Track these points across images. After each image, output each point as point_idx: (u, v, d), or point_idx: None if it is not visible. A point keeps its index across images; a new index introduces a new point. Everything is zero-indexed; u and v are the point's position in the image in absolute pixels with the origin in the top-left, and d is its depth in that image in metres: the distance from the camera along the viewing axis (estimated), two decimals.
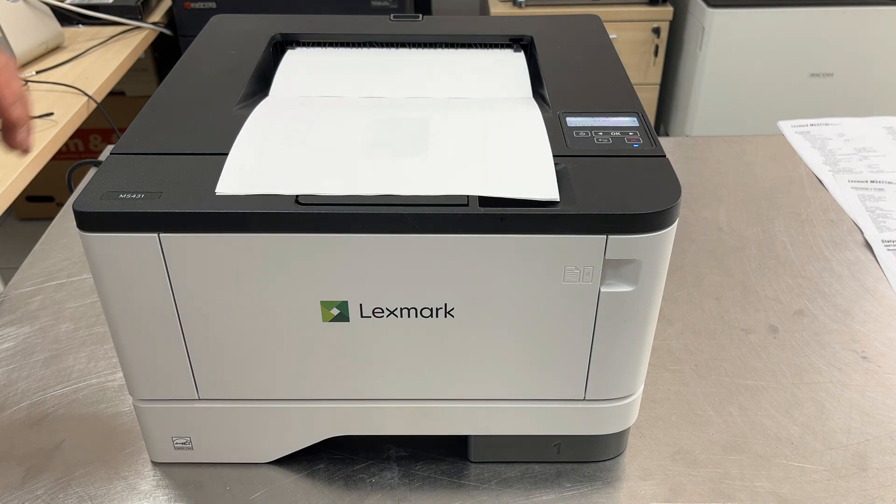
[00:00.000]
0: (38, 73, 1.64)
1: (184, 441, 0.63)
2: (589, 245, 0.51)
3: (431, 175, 0.53)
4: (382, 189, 0.51)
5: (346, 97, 0.65)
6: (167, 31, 2.08)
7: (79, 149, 2.26)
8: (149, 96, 0.64)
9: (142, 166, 0.54)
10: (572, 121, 0.60)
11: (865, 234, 0.95)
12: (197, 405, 0.61)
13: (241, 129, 0.57)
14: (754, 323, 0.81)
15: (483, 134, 0.58)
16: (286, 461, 0.65)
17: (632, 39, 2.40)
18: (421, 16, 0.79)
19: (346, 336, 0.56)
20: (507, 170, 0.53)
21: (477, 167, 0.54)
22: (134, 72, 1.93)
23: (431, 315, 0.55)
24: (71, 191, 0.75)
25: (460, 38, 0.75)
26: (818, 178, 1.07)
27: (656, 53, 2.43)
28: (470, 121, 0.60)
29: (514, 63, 0.72)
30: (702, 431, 0.69)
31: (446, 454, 0.66)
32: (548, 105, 0.63)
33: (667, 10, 2.38)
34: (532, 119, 0.60)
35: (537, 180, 0.52)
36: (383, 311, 0.55)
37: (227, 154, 0.54)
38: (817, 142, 1.15)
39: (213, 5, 2.07)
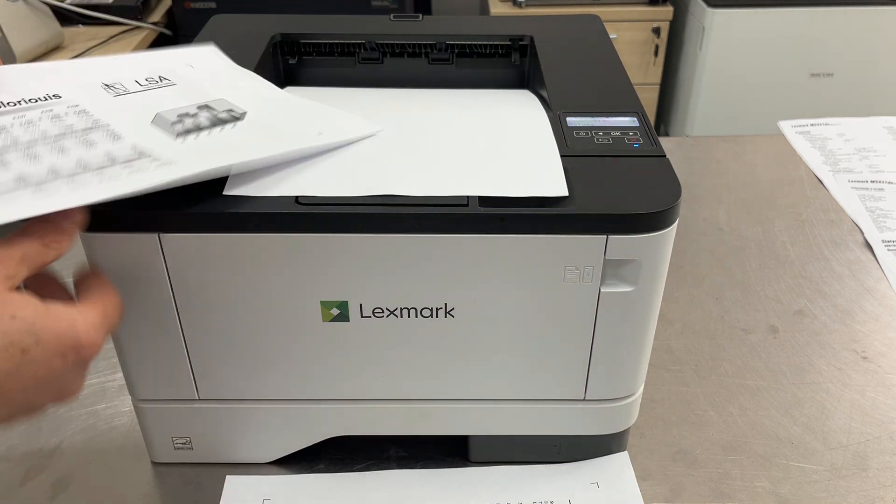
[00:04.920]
0: None
1: (184, 441, 0.63)
2: (589, 245, 0.51)
3: (437, 177, 0.53)
4: (386, 191, 0.51)
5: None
6: (167, 31, 2.08)
7: None
8: None
9: None
10: (572, 121, 0.60)
11: (865, 234, 0.95)
12: (197, 405, 0.61)
13: None
14: (754, 323, 0.81)
15: (488, 134, 0.58)
16: (286, 461, 0.65)
17: (632, 39, 2.40)
18: (421, 16, 0.79)
19: (346, 336, 0.56)
20: (513, 168, 0.53)
21: (482, 167, 0.54)
22: None
23: (431, 315, 0.55)
24: None
25: (460, 37, 0.75)
26: (818, 178, 1.07)
27: (656, 53, 2.43)
28: (474, 121, 0.60)
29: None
30: (702, 431, 0.69)
31: (446, 454, 0.66)
32: (548, 105, 0.63)
33: (667, 10, 2.38)
34: (537, 118, 0.60)
35: (545, 177, 0.52)
36: (383, 311, 0.55)
37: None
38: (817, 142, 1.15)
39: (213, 5, 2.07)
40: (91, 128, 0.50)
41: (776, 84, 2.37)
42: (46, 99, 0.52)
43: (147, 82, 0.57)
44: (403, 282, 0.53)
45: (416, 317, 0.55)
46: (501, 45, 0.75)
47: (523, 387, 0.60)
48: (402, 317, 0.55)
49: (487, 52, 0.76)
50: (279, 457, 0.65)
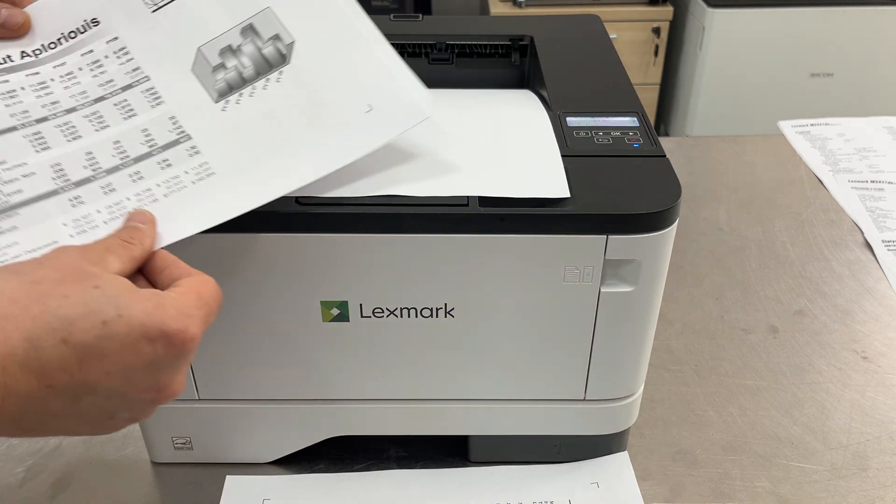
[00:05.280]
0: None
1: (184, 441, 0.63)
2: (589, 245, 0.51)
3: (437, 177, 0.52)
4: (386, 192, 0.51)
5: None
6: None
7: None
8: None
9: None
10: (572, 121, 0.60)
11: (865, 234, 0.95)
12: (197, 405, 0.61)
13: None
14: (754, 323, 0.81)
15: (488, 134, 0.58)
16: (286, 461, 0.65)
17: (632, 39, 2.40)
18: (421, 16, 0.79)
19: (346, 336, 0.56)
20: (515, 169, 0.53)
21: (483, 167, 0.54)
22: None
23: (431, 315, 0.55)
24: None
25: (460, 37, 0.75)
26: (818, 178, 1.07)
27: (656, 53, 2.43)
28: (475, 121, 0.60)
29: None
30: (702, 431, 0.69)
31: (446, 454, 0.66)
32: (548, 105, 0.63)
33: (667, 10, 2.38)
34: (538, 118, 0.60)
35: (547, 178, 0.52)
36: (383, 311, 0.55)
37: None
38: (817, 142, 1.15)
39: None
40: (131, 85, 0.50)
41: (776, 84, 2.37)
42: (85, 29, 0.51)
43: None
44: (403, 282, 0.53)
45: (416, 317, 0.55)
46: (501, 45, 0.75)
47: (523, 387, 0.60)
48: (402, 317, 0.55)
49: (487, 52, 0.76)
50: (279, 457, 0.65)
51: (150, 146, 0.48)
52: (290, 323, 0.55)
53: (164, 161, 0.48)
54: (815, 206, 1.01)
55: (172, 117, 0.49)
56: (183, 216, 0.46)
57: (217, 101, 0.50)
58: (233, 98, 0.50)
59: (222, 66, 0.51)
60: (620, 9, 2.36)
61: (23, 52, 0.50)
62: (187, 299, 0.40)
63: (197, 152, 0.48)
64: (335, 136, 0.49)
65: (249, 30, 0.51)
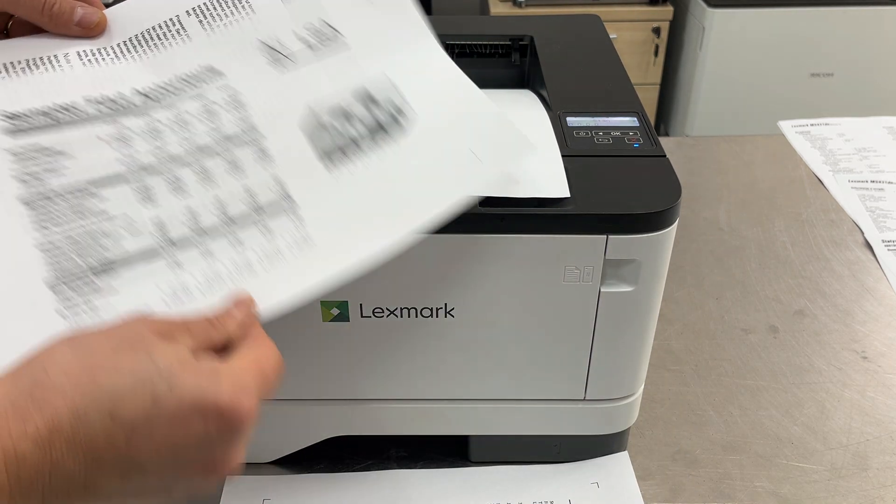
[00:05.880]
0: None
1: None
2: (589, 245, 0.51)
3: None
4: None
5: None
6: None
7: None
8: None
9: None
10: (572, 121, 0.60)
11: (865, 234, 0.95)
12: None
13: None
14: (754, 323, 0.81)
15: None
16: (286, 461, 0.65)
17: (632, 39, 2.40)
18: None
19: (346, 336, 0.56)
20: (516, 170, 0.53)
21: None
22: None
23: (431, 315, 0.55)
24: None
25: (460, 37, 0.75)
26: (818, 178, 1.07)
27: (656, 53, 2.43)
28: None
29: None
30: (702, 431, 0.69)
31: (446, 454, 0.66)
32: (548, 105, 0.63)
33: (667, 10, 2.38)
34: (538, 118, 0.60)
35: (547, 178, 0.52)
36: (383, 311, 0.55)
37: None
38: (817, 142, 1.15)
39: None
40: (240, 135, 0.48)
41: (776, 84, 2.37)
42: (202, 77, 0.50)
43: (310, 35, 0.51)
44: (403, 282, 0.53)
45: (416, 317, 0.55)
46: (501, 45, 0.75)
47: (523, 387, 0.60)
48: (402, 317, 0.55)
49: (487, 52, 0.76)
50: (279, 457, 0.65)
51: (253, 209, 0.46)
52: (290, 323, 0.55)
53: (265, 228, 0.46)
54: (815, 206, 1.01)
55: (277, 178, 0.47)
56: (275, 294, 0.44)
57: (323, 161, 0.48)
58: (340, 159, 0.48)
59: (333, 126, 0.49)
60: (620, 9, 2.36)
61: (135, 89, 0.49)
62: (247, 373, 0.38)
63: (300, 220, 0.46)
64: (437, 187, 0.48)
65: (364, 94, 0.50)
